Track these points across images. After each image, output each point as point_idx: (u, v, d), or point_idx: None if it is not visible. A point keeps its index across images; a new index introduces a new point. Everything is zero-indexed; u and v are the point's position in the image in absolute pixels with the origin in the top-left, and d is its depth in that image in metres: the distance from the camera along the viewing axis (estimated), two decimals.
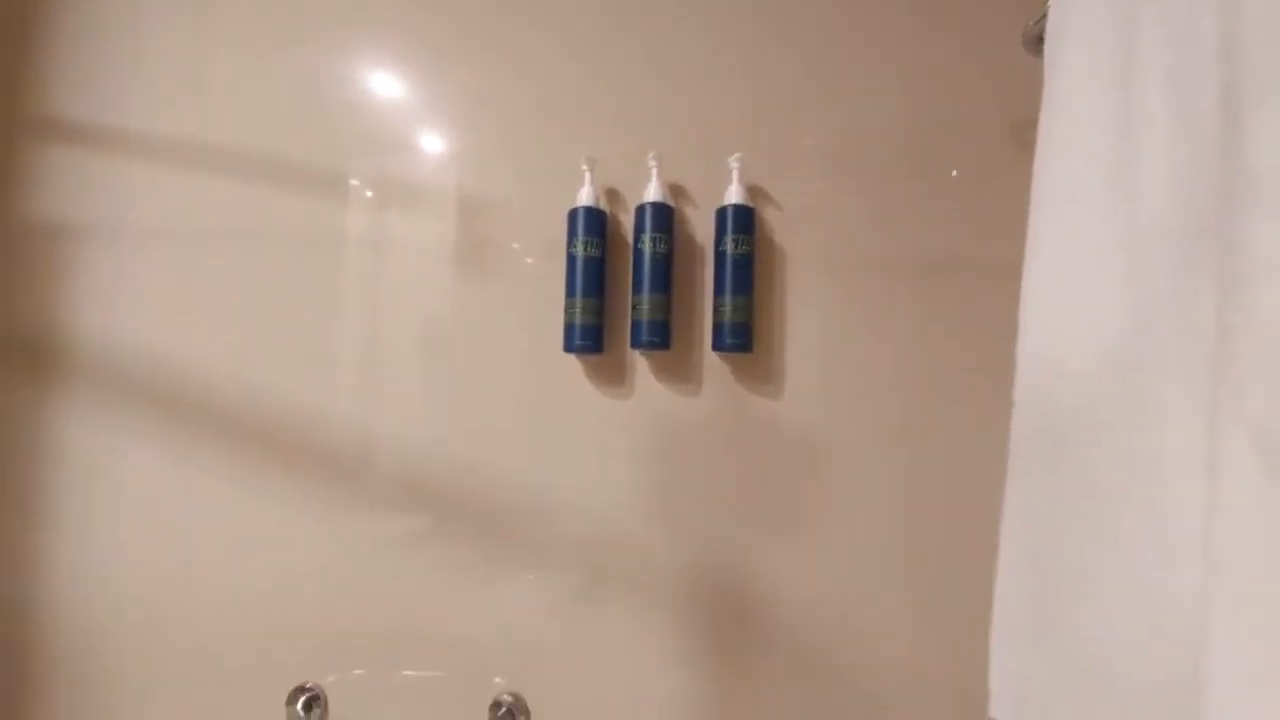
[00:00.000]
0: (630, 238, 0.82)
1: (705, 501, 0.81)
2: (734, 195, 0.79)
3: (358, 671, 0.83)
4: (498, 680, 0.81)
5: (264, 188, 0.87)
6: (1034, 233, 0.50)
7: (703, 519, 0.81)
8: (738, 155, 0.79)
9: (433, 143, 0.88)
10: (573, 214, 0.80)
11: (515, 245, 0.85)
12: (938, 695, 0.76)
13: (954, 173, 0.80)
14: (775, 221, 0.83)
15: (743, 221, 0.78)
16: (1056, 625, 0.43)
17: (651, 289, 0.78)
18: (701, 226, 0.83)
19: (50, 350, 0.86)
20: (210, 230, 0.87)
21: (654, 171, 0.80)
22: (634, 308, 0.79)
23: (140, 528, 0.85)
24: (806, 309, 0.82)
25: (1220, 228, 0.34)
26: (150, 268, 0.87)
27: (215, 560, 0.84)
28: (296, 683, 0.82)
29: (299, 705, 0.80)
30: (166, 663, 0.84)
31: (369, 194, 0.87)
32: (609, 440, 0.82)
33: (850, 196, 0.82)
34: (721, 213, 0.79)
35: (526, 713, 0.81)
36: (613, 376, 0.83)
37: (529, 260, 0.85)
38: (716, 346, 0.79)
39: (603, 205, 0.82)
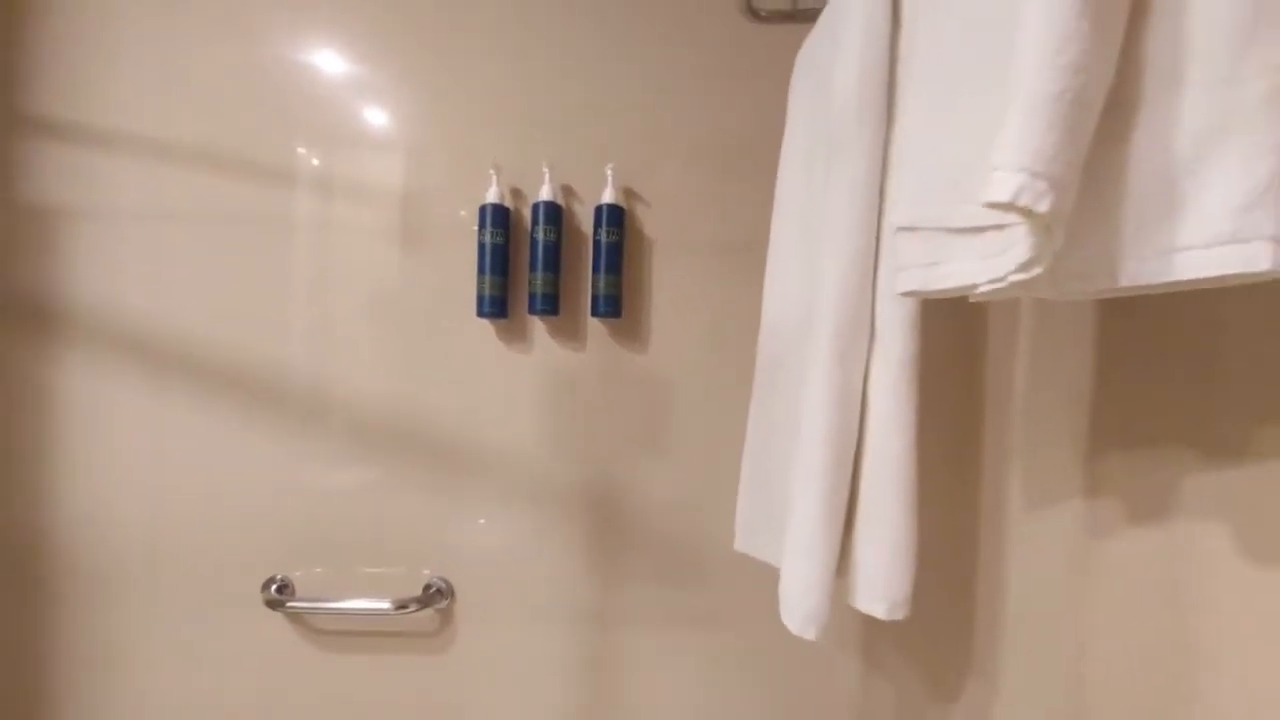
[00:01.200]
0: (529, 227, 1.05)
1: (590, 433, 1.07)
2: (608, 196, 1.02)
3: (318, 569, 1.06)
4: (428, 571, 1.06)
5: (225, 173, 1.05)
6: (772, 229, 0.75)
7: (589, 446, 1.06)
8: (611, 164, 1.02)
9: (373, 139, 1.07)
10: (482, 209, 1.02)
11: (440, 228, 1.06)
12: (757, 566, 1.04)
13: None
14: (644, 215, 1.07)
15: (614, 217, 1.02)
16: (762, 481, 0.70)
17: (544, 269, 1.02)
18: (586, 219, 1.06)
19: (48, 315, 1.04)
20: (179, 211, 1.05)
21: (546, 175, 1.02)
22: (530, 283, 1.02)
23: (130, 460, 1.05)
24: (666, 283, 1.07)
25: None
26: (130, 243, 1.05)
27: (195, 486, 1.05)
28: (265, 577, 1.05)
29: (272, 589, 1.03)
30: (160, 567, 1.05)
31: (318, 179, 1.06)
32: (515, 387, 1.06)
33: (697, 194, 1.06)
34: (599, 209, 1.02)
35: (452, 592, 1.06)
36: (516, 337, 1.07)
37: (450, 241, 1.06)
38: (594, 313, 1.03)
39: (506, 201, 1.04)
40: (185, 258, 1.05)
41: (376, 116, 1.08)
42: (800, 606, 0.54)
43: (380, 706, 1.07)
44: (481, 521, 1.06)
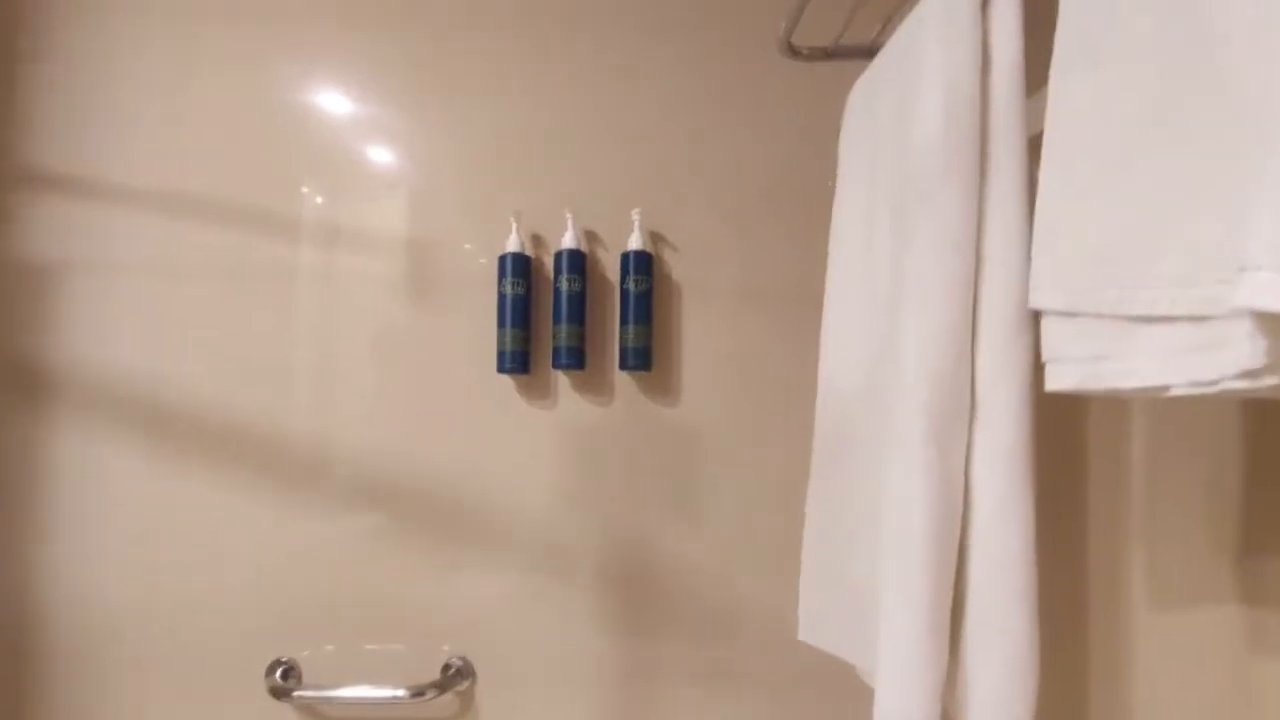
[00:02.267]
0: (551, 277, 0.99)
1: (617, 493, 0.99)
2: (634, 242, 0.96)
3: (328, 647, 0.98)
4: (446, 648, 0.98)
5: (225, 224, 0.99)
6: (827, 281, 0.69)
7: (615, 508, 0.99)
8: (638, 209, 0.97)
9: (386, 187, 1.02)
10: (502, 258, 0.96)
11: (458, 278, 1.00)
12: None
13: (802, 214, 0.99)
14: (672, 261, 1.01)
15: (641, 264, 0.96)
16: (829, 568, 0.63)
17: (568, 320, 0.95)
18: (611, 266, 1.00)
19: (40, 376, 0.97)
20: (179, 265, 0.99)
21: (569, 222, 0.97)
22: (554, 335, 0.96)
23: (125, 531, 0.97)
24: (697, 333, 1.01)
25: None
26: (126, 300, 0.98)
27: (194, 557, 0.97)
28: (270, 659, 0.96)
29: (277, 675, 0.94)
30: (156, 649, 0.96)
31: (325, 229, 1.00)
32: (537, 445, 0.99)
33: (728, 239, 1.00)
34: (625, 257, 0.96)
35: (473, 673, 0.97)
36: (540, 393, 1.00)
37: (469, 292, 1.00)
38: (622, 366, 0.97)
39: (527, 250, 0.98)
40: (183, 312, 0.99)
41: (389, 163, 1.02)
42: None
43: None
44: (502, 591, 0.98)
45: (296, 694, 0.93)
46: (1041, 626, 0.47)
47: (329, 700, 0.94)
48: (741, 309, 1.01)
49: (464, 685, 0.97)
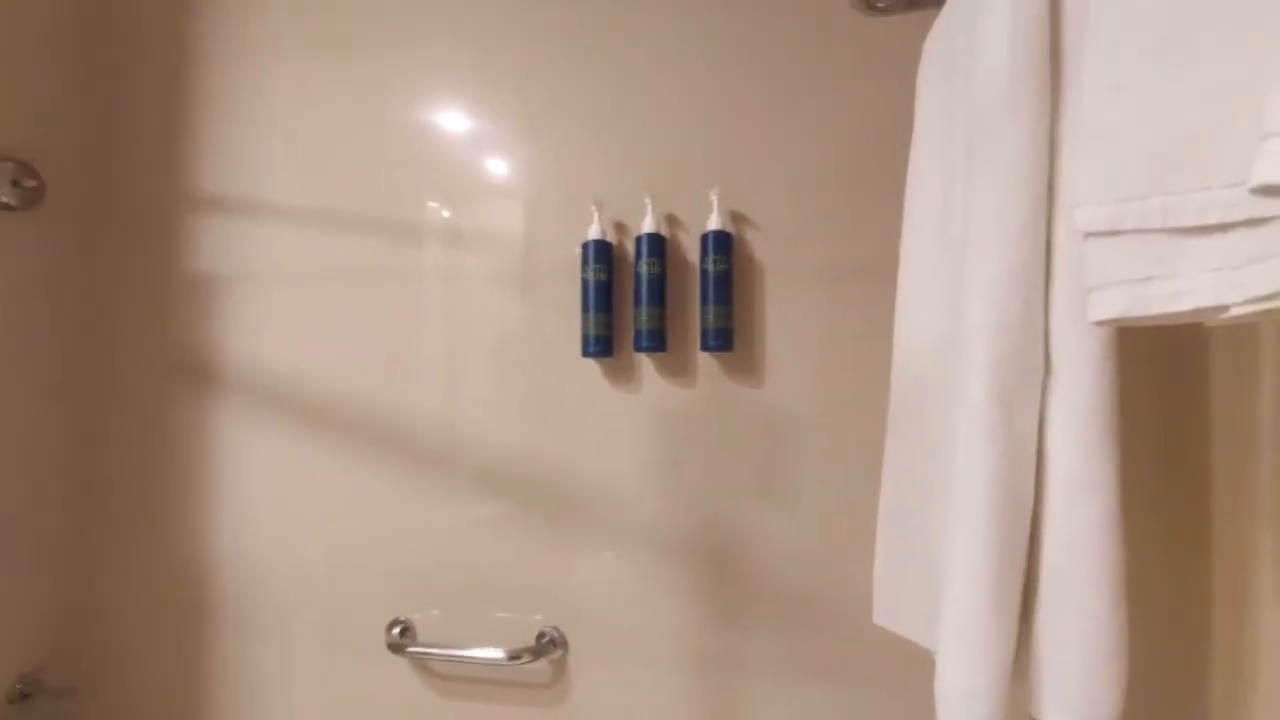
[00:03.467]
0: (632, 261, 1.01)
1: (702, 475, 0.99)
2: (713, 223, 0.96)
3: (434, 612, 1.07)
4: (539, 618, 1.03)
5: (354, 232, 1.12)
6: (901, 249, 0.65)
7: (700, 489, 0.99)
8: (715, 189, 0.96)
9: (487, 187, 1.09)
10: (585, 245, 0.99)
11: (550, 269, 1.05)
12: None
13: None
14: (754, 240, 1.00)
15: (720, 244, 0.95)
16: (903, 546, 0.58)
17: (648, 303, 0.97)
18: (693, 248, 1.01)
19: (209, 369, 1.15)
20: (320, 271, 1.13)
21: (648, 207, 0.98)
22: (635, 319, 0.98)
23: (274, 503, 1.12)
24: (780, 312, 0.98)
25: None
26: (277, 303, 1.14)
27: (328, 526, 1.10)
28: (389, 618, 1.06)
29: (395, 632, 1.04)
30: (298, 602, 1.10)
31: (438, 231, 1.09)
32: (624, 428, 1.02)
33: (812, 213, 0.97)
34: (704, 238, 0.96)
35: (565, 642, 1.02)
36: (623, 376, 1.02)
37: (559, 281, 1.05)
38: (704, 347, 0.96)
39: (609, 236, 1.01)
40: (319, 314, 1.12)
41: (491, 165, 1.09)
42: (965, 715, 0.43)
43: None
44: (593, 567, 1.02)
45: (410, 649, 1.03)
46: (1158, 623, 0.41)
47: (437, 657, 1.03)
48: (826, 286, 0.97)
49: (556, 654, 1.01)
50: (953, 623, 0.44)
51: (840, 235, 0.96)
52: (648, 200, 0.98)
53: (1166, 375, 0.71)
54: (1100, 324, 0.34)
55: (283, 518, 1.12)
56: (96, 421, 1.18)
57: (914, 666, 0.89)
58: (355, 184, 1.12)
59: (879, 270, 0.93)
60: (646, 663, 1.00)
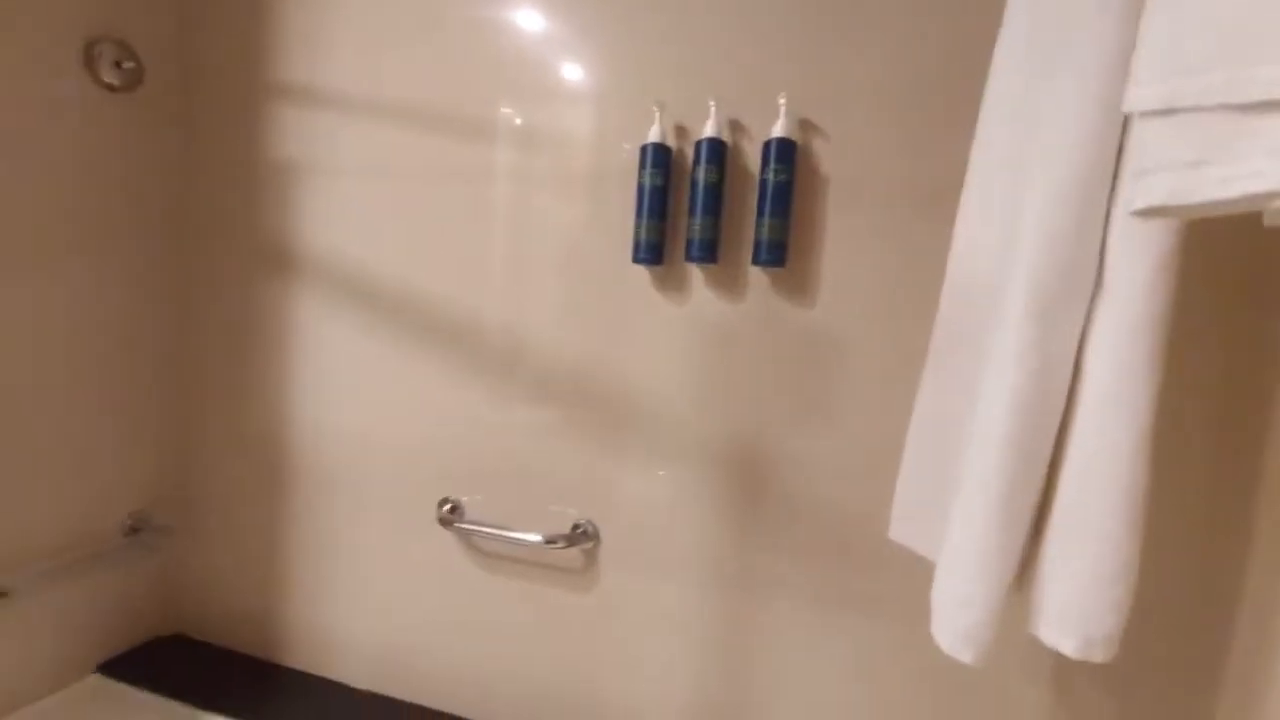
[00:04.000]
0: (689, 167, 0.98)
1: (746, 390, 0.99)
2: (778, 129, 0.91)
3: (479, 496, 1.14)
4: (574, 511, 1.09)
5: (431, 130, 1.13)
6: (969, 166, 0.60)
7: (744, 404, 1.00)
8: (784, 94, 0.91)
9: (536, 86, 1.08)
10: (643, 149, 0.97)
11: (609, 173, 1.04)
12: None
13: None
14: (822, 151, 0.94)
15: (782, 153, 0.91)
16: (928, 462, 0.58)
17: (703, 212, 0.95)
18: (754, 156, 0.97)
19: (289, 256, 1.22)
20: (392, 165, 1.15)
21: (712, 110, 0.94)
22: (689, 227, 0.96)
23: (345, 383, 1.21)
24: (841, 230, 0.94)
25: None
26: (352, 195, 1.18)
27: (392, 408, 1.18)
28: (440, 496, 1.15)
29: (445, 509, 1.13)
30: (365, 475, 1.21)
31: (487, 130, 1.10)
32: (669, 337, 1.02)
33: (888, 127, 0.90)
34: (766, 145, 0.92)
35: (598, 535, 1.08)
36: (672, 285, 1.02)
37: (618, 185, 1.03)
38: (755, 261, 0.94)
39: (669, 140, 0.98)
40: (390, 208, 1.16)
41: (557, 64, 1.07)
42: (955, 621, 0.43)
43: (528, 629, 1.13)
44: (630, 470, 1.06)
45: (457, 525, 1.11)
46: (1186, 545, 0.39)
47: (481, 534, 1.11)
48: (896, 205, 0.91)
49: (589, 545, 1.08)
50: (957, 531, 0.44)
51: (915, 156, 0.90)
52: (711, 104, 0.94)
53: (1221, 293, 0.64)
54: (1141, 214, 0.30)
55: (353, 399, 1.21)
56: (193, 300, 1.29)
57: None
58: (427, 80, 1.12)
59: (950, 198, 0.88)
60: (674, 567, 1.05)
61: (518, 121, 1.08)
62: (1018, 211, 0.49)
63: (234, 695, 1.18)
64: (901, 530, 0.64)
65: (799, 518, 0.98)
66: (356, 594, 1.23)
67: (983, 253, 0.55)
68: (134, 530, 1.26)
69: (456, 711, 1.18)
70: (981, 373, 0.50)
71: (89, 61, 1.11)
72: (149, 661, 1.27)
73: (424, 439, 1.16)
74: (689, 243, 0.96)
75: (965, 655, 0.43)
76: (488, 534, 1.10)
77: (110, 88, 1.15)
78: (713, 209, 0.95)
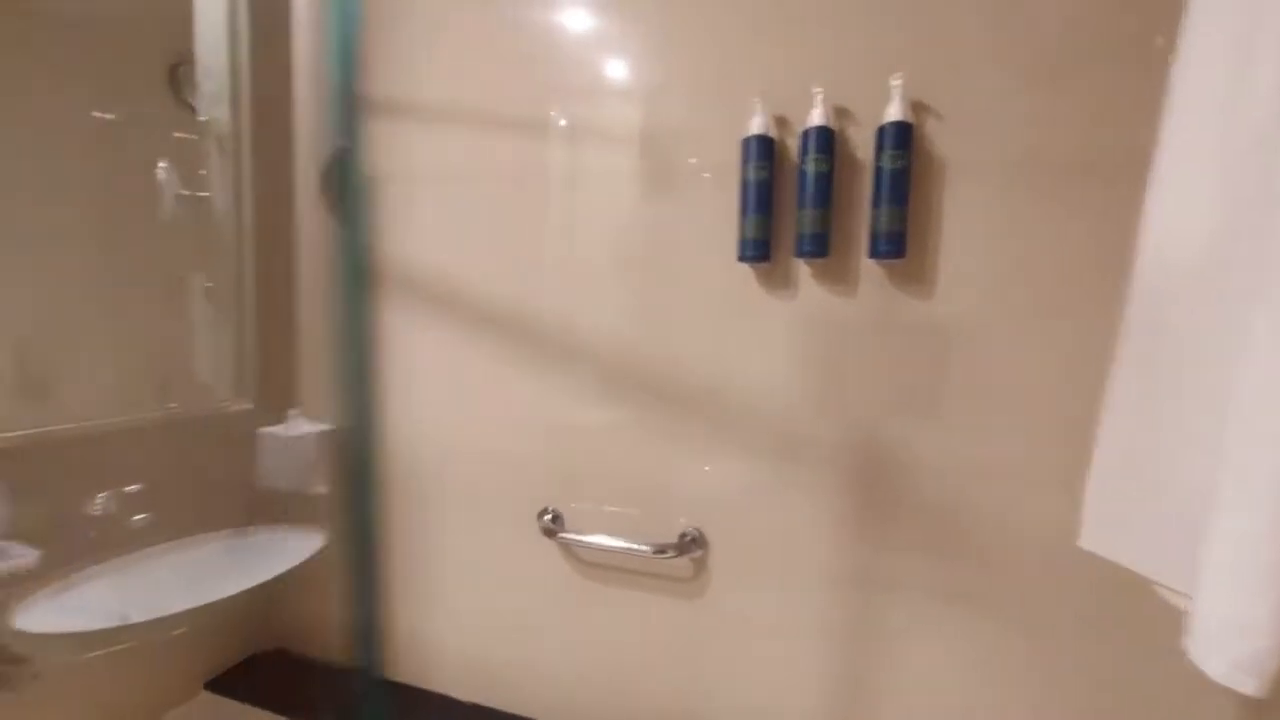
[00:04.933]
0: (796, 159, 0.94)
1: (857, 387, 0.95)
2: (893, 113, 0.86)
3: (580, 504, 1.12)
4: (682, 519, 1.06)
5: (514, 133, 1.11)
6: (1162, 138, 0.55)
7: (859, 403, 0.95)
8: (898, 75, 0.86)
9: (622, 83, 1.05)
10: (745, 141, 0.93)
11: (694, 166, 1.01)
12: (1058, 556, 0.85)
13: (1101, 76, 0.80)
14: (936, 133, 0.89)
15: (899, 138, 0.86)
16: (1138, 464, 0.53)
17: (813, 204, 0.91)
18: (863, 145, 0.92)
19: (378, 265, 1.21)
20: (459, 171, 1.14)
21: (818, 98, 0.90)
22: (798, 221, 0.92)
23: (435, 391, 1.20)
24: (962, 214, 0.89)
25: None
26: (424, 203, 1.17)
27: (491, 417, 1.16)
28: (538, 506, 1.13)
29: (546, 519, 1.11)
30: (462, 482, 1.20)
31: (570, 132, 1.07)
32: (777, 336, 0.98)
33: (1009, 102, 0.85)
34: (880, 130, 0.88)
35: (706, 544, 1.05)
36: (779, 282, 0.98)
37: (706, 179, 1.00)
38: (872, 254, 0.90)
39: (771, 132, 0.94)
40: (473, 214, 1.14)
41: (646, 63, 1.04)
42: (1232, 647, 0.39)
43: (634, 639, 1.11)
44: (738, 475, 1.02)
45: (560, 535, 1.09)
46: None
47: (584, 544, 1.09)
48: (1018, 186, 0.86)
49: (698, 553, 1.05)
50: (1228, 546, 0.39)
51: (1040, 127, 0.84)
52: (816, 91, 0.90)
53: None
54: None
55: (449, 408, 1.19)
56: (291, 312, 1.29)
57: (1089, 606, 0.85)
58: (502, 81, 1.10)
59: (1084, 167, 0.83)
60: (787, 573, 1.01)
61: (604, 121, 1.06)
62: (1246, 198, 0.44)
63: (340, 710, 1.19)
64: (1098, 538, 0.59)
65: (923, 520, 0.94)
66: (457, 605, 1.23)
67: (1192, 238, 0.50)
68: None
69: None
70: (1206, 371, 0.46)
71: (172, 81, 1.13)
72: (253, 677, 1.28)
73: (522, 446, 1.15)
74: (800, 237, 0.92)
75: (1247, 685, 0.39)
76: (591, 544, 1.08)
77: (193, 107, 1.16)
78: (822, 200, 0.91)
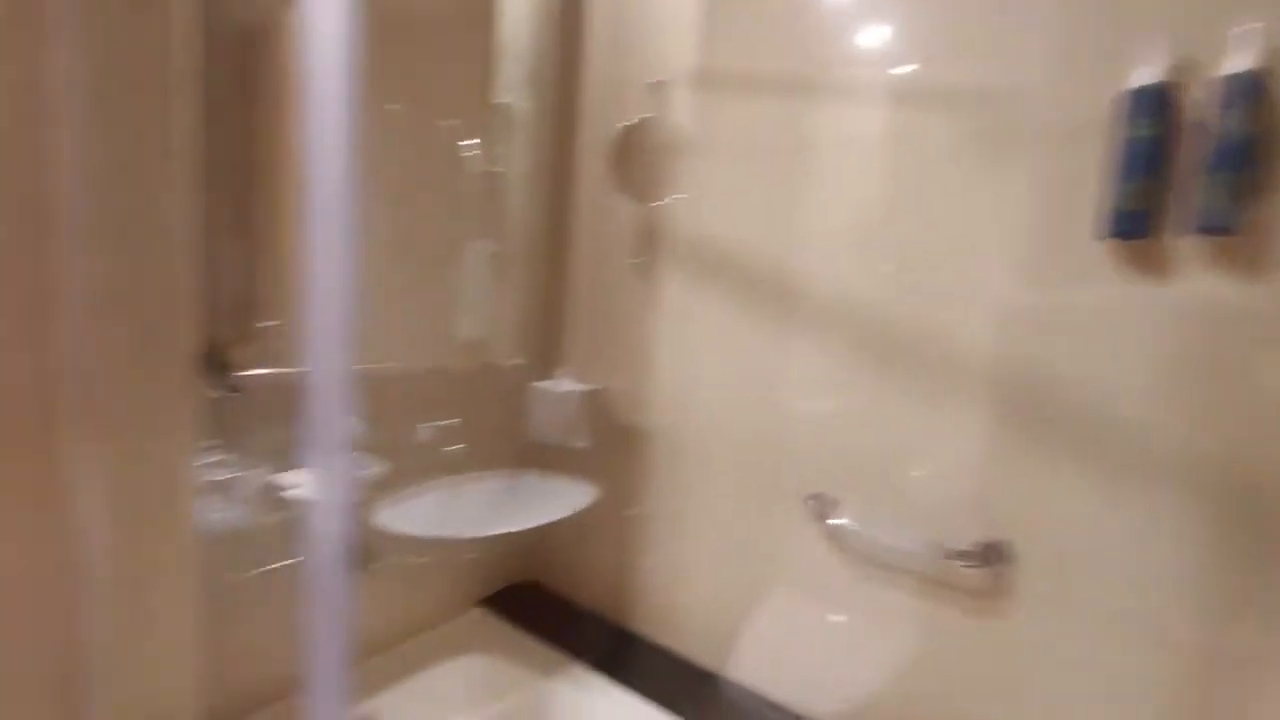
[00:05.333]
0: (1193, 115, 0.77)
1: (1250, 398, 0.76)
2: None
3: (855, 495, 1.05)
4: (980, 526, 0.94)
5: (814, 99, 1.06)
6: None
7: (1242, 417, 0.77)
8: None
9: (951, 42, 0.94)
10: (1131, 94, 0.79)
11: (1035, 127, 0.88)
12: None
13: None
14: None
15: None
16: None
17: (1221, 169, 0.74)
18: None
19: (658, 232, 1.25)
20: (774, 142, 1.11)
21: (1240, 38, 0.72)
22: (1200, 189, 0.76)
23: (708, 363, 1.20)
24: None
25: None
26: (712, 173, 1.17)
27: (754, 389, 1.15)
28: (806, 489, 1.08)
29: (818, 502, 1.07)
30: (728, 452, 1.19)
31: (902, 93, 0.99)
32: (1143, 328, 0.82)
33: None
34: None
35: (1014, 557, 0.92)
36: (1154, 264, 0.81)
37: (1051, 141, 0.86)
38: None
39: (1168, 79, 0.78)
40: (766, 185, 1.12)
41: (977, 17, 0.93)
42: None
43: (906, 648, 1.02)
44: (1067, 487, 0.88)
45: (831, 522, 1.04)
46: None
47: (859, 536, 1.02)
48: None
49: (1002, 568, 0.93)
50: None
51: None
52: (1239, 29, 0.72)
53: None
54: None
55: (722, 378, 1.19)
56: (564, 278, 1.39)
57: None
58: (809, 44, 1.05)
59: None
60: (1116, 612, 0.85)
61: (918, 79, 0.96)
62: None
63: (591, 650, 1.25)
64: None
65: None
66: (710, 572, 1.23)
67: None
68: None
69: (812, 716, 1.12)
70: None
71: None
72: (515, 605, 1.40)
73: (795, 426, 1.11)
74: (1201, 209, 0.75)
75: None
76: (868, 538, 1.01)
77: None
78: (1235, 163, 0.73)
